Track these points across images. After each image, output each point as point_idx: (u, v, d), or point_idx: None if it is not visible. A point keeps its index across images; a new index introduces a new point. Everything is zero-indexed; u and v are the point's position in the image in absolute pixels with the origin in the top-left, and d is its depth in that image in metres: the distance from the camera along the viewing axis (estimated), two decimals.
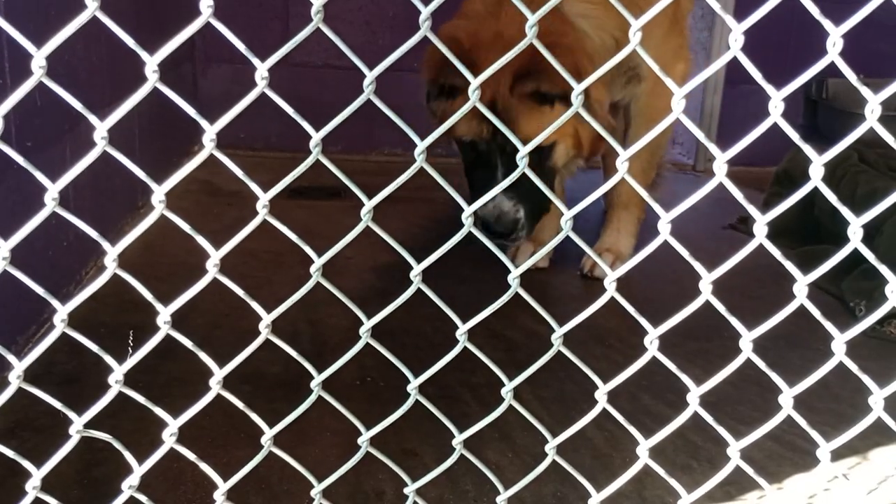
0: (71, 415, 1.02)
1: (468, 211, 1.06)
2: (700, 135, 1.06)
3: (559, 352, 1.12)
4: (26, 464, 1.03)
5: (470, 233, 1.07)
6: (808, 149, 1.06)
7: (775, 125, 1.03)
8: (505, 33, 2.29)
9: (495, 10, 2.35)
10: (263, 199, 0.95)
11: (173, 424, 1.06)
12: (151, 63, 0.85)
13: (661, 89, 2.47)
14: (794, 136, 1.06)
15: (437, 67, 2.35)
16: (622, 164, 1.05)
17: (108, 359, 1.00)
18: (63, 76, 2.19)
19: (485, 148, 2.37)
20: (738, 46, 0.98)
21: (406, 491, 1.21)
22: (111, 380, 1.00)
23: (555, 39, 2.06)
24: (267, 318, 1.03)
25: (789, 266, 1.11)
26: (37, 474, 1.04)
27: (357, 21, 4.14)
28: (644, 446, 1.23)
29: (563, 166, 2.53)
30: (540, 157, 2.35)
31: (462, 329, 1.09)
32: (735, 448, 1.26)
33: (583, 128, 2.38)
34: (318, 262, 1.02)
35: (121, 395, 1.02)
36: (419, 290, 1.07)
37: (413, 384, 1.13)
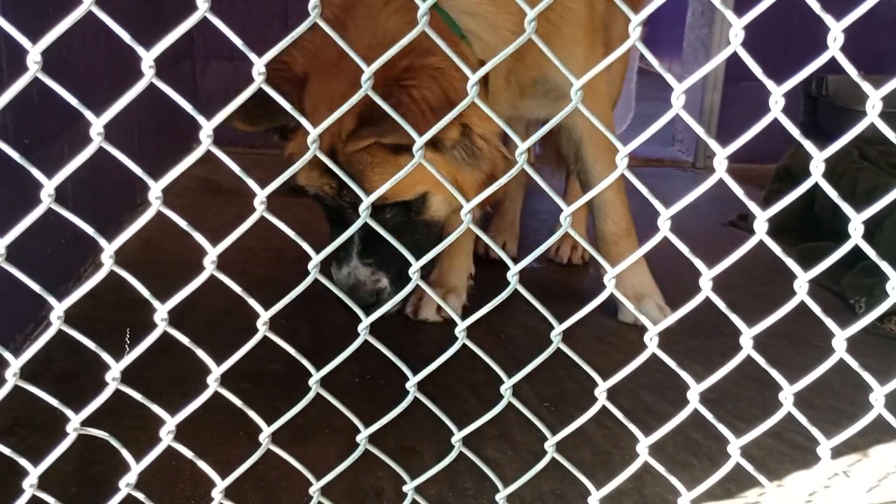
0: (68, 412, 1.01)
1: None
2: (700, 130, 1.05)
3: (559, 349, 1.12)
4: (24, 462, 1.03)
5: None
6: (808, 145, 1.06)
7: (776, 121, 1.02)
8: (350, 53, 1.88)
9: (343, 14, 1.78)
10: (261, 195, 0.95)
11: (171, 422, 1.06)
12: (148, 58, 0.85)
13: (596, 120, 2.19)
14: (795, 132, 1.06)
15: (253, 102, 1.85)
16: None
17: (106, 356, 1.00)
18: (60, 72, 2.18)
19: (333, 204, 1.84)
20: (739, 42, 0.97)
21: (405, 489, 1.21)
22: (109, 377, 1.00)
23: (416, 61, 1.65)
24: (265, 315, 1.02)
25: (790, 263, 1.10)
26: (34, 472, 1.03)
27: None
28: (644, 444, 1.22)
29: (451, 218, 1.98)
30: (409, 213, 1.85)
31: (461, 326, 1.09)
32: (735, 445, 1.25)
33: (462, 173, 1.81)
34: (317, 258, 1.01)
35: (118, 392, 1.02)
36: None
37: (412, 381, 1.13)
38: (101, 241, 0.92)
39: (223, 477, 1.13)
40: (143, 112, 2.97)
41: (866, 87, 1.01)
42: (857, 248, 1.12)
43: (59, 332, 0.95)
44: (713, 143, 1.04)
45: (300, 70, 1.73)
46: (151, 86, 0.88)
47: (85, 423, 1.02)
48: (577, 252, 2.86)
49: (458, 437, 1.17)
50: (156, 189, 0.91)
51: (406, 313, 2.37)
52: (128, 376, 1.02)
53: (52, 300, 0.94)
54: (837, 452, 1.39)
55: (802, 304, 1.12)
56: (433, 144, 1.71)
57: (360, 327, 1.07)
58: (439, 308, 2.17)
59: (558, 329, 1.10)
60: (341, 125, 1.67)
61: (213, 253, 0.95)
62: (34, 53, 0.83)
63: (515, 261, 1.08)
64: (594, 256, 1.17)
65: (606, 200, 2.36)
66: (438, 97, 1.65)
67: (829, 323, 1.15)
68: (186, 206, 3.08)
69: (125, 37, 0.86)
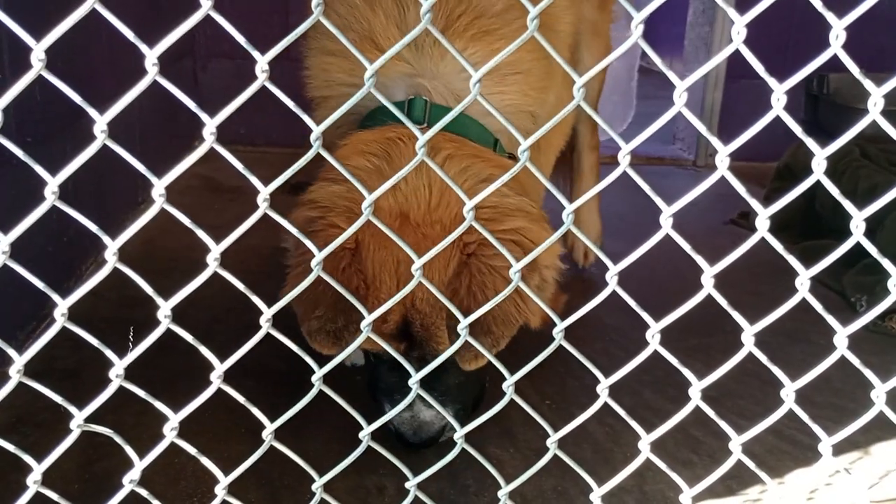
0: (72, 409, 1.01)
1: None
2: (702, 128, 1.05)
3: (560, 346, 1.12)
4: (27, 458, 1.03)
5: None
6: (810, 142, 1.06)
7: (777, 119, 1.02)
8: (412, 219, 1.55)
9: (385, 164, 1.58)
10: (264, 192, 0.95)
11: (174, 419, 1.06)
12: (151, 56, 0.85)
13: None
14: (797, 129, 1.06)
15: (313, 301, 1.49)
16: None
17: (109, 353, 1.00)
18: (62, 70, 2.18)
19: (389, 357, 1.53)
20: (741, 39, 0.97)
21: (407, 485, 1.21)
22: (112, 374, 1.00)
23: (494, 227, 1.49)
24: (268, 313, 1.03)
25: (791, 260, 1.10)
26: (38, 469, 1.03)
27: None
28: (645, 441, 1.23)
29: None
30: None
31: (463, 323, 1.09)
32: (736, 442, 1.25)
33: (528, 306, 1.64)
34: (319, 256, 1.02)
35: (121, 389, 1.02)
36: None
37: (414, 378, 1.13)
38: (105, 239, 0.92)
39: (226, 473, 1.13)
40: (145, 110, 2.97)
41: (868, 84, 1.01)
42: (858, 246, 1.12)
43: (62, 329, 0.95)
44: (715, 141, 1.04)
45: (352, 240, 1.52)
46: (154, 83, 0.88)
47: (88, 420, 1.02)
48: (588, 259, 2.79)
49: (460, 433, 1.17)
50: (159, 186, 0.91)
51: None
52: (130, 373, 1.02)
53: (56, 297, 0.94)
54: (838, 449, 1.39)
55: (804, 302, 1.12)
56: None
57: (363, 324, 1.08)
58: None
59: (560, 326, 1.10)
60: (414, 292, 1.51)
61: (216, 250, 0.96)
62: (38, 51, 0.83)
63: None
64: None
65: None
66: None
67: (831, 320, 1.15)
68: (188, 204, 3.07)
69: (128, 34, 0.86)
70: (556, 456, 1.21)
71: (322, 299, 1.49)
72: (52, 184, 0.88)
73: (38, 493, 1.05)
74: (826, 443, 1.27)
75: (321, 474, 1.17)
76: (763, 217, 1.06)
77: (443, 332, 1.55)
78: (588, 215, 2.85)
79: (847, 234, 1.10)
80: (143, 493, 1.12)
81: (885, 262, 1.14)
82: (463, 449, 1.19)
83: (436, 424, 1.66)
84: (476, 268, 1.51)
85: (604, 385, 1.17)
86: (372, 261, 1.54)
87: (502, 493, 1.25)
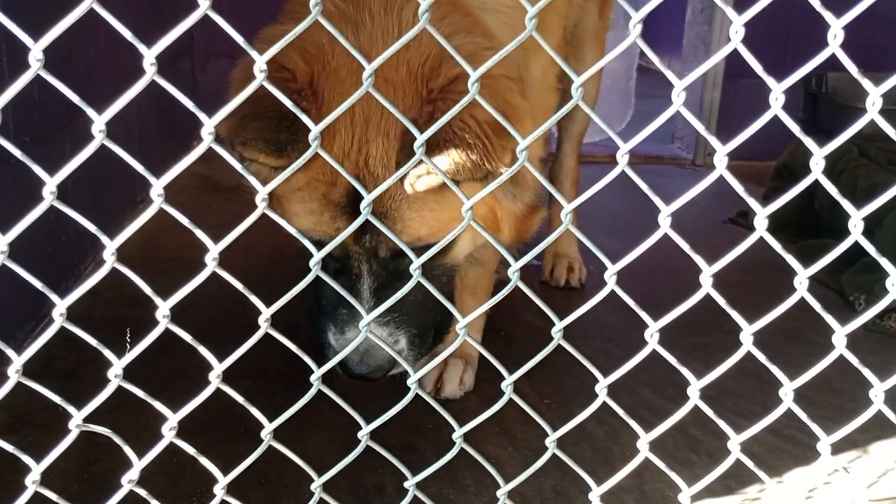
0: (70, 409, 1.01)
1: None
2: (700, 127, 1.05)
3: (559, 346, 1.12)
4: (26, 458, 1.03)
5: None
6: (808, 141, 1.06)
7: (775, 118, 1.02)
8: (374, 51, 1.36)
9: (354, 9, 1.44)
10: (262, 192, 0.95)
11: (173, 419, 1.06)
12: (149, 56, 0.85)
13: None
14: (795, 128, 1.06)
15: (246, 114, 1.30)
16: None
17: (108, 353, 1.00)
18: (60, 70, 2.18)
19: (340, 250, 1.46)
20: (739, 38, 0.97)
21: (406, 485, 1.21)
22: (110, 374, 1.00)
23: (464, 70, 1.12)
24: (267, 312, 1.02)
25: (790, 259, 1.10)
26: (37, 469, 1.03)
27: None
28: (644, 440, 1.23)
29: (465, 259, 1.69)
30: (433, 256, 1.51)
31: (462, 323, 1.09)
32: (735, 442, 1.26)
33: (501, 206, 1.55)
34: (318, 255, 1.01)
35: (120, 389, 1.02)
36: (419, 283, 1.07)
37: (413, 378, 1.13)
38: (104, 238, 0.92)
39: (225, 473, 1.13)
40: (143, 110, 2.97)
41: (866, 83, 1.01)
42: (856, 245, 1.12)
43: (60, 329, 0.95)
44: (713, 140, 1.04)
45: (305, 79, 1.39)
46: (152, 83, 0.88)
47: (87, 420, 1.02)
48: (574, 274, 2.72)
49: (458, 433, 1.17)
50: (157, 186, 0.91)
51: (427, 392, 1.86)
52: (129, 373, 1.02)
53: (54, 297, 0.94)
54: (837, 449, 1.39)
55: (802, 301, 1.12)
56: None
57: (362, 324, 1.08)
58: (461, 380, 1.98)
59: (559, 326, 1.10)
60: (369, 149, 1.37)
61: (214, 250, 0.96)
62: (36, 51, 0.83)
63: (515, 258, 1.07)
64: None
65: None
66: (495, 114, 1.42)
67: (829, 319, 1.15)
68: (186, 204, 3.07)
69: (126, 34, 0.86)
70: (554, 455, 1.21)
71: (264, 115, 1.31)
72: (51, 184, 0.88)
73: (36, 493, 1.05)
74: (825, 442, 1.27)
75: (320, 474, 1.17)
76: (761, 216, 1.06)
77: (399, 207, 1.38)
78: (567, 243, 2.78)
79: (845, 233, 1.10)
80: (142, 493, 1.12)
81: (884, 262, 1.14)
82: (462, 448, 1.19)
83: (382, 352, 1.43)
84: (441, 112, 1.27)
85: (602, 384, 1.17)
86: (329, 108, 1.34)
87: (501, 493, 1.25)
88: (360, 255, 1.45)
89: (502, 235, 1.58)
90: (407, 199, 1.39)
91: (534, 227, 1.73)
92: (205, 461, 1.12)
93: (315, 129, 0.93)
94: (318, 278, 1.26)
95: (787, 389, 1.22)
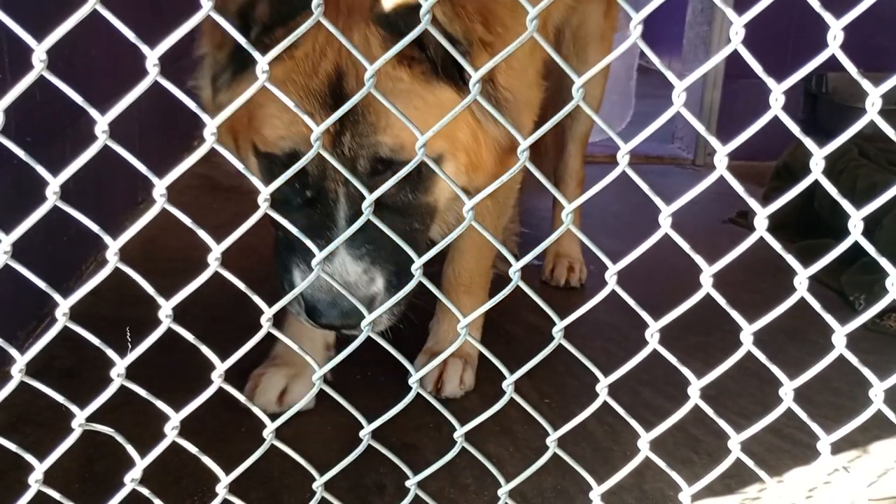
0: (73, 409, 1.02)
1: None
2: (701, 128, 1.06)
3: (560, 345, 1.12)
4: (29, 457, 1.04)
5: None
6: (808, 142, 1.06)
7: (776, 119, 1.03)
8: None
9: None
10: (265, 192, 0.95)
11: (175, 418, 1.07)
12: (152, 57, 0.85)
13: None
14: (795, 129, 1.06)
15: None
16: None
17: (110, 352, 1.00)
18: (62, 70, 2.19)
19: (315, 168, 1.34)
20: (739, 39, 0.98)
21: (407, 484, 1.21)
22: (113, 373, 1.00)
23: None
24: (268, 312, 1.03)
25: (790, 259, 1.11)
26: (39, 468, 1.04)
27: None
28: (644, 439, 1.23)
29: (446, 205, 1.55)
30: (415, 188, 1.41)
31: (463, 322, 1.09)
32: (735, 441, 1.26)
33: (483, 130, 1.45)
34: (320, 255, 1.02)
35: (122, 388, 1.02)
36: (420, 283, 1.07)
37: (414, 377, 1.13)
38: (106, 238, 0.93)
39: (227, 472, 1.14)
40: (143, 110, 2.97)
41: (866, 84, 1.01)
42: (856, 245, 1.12)
43: (63, 328, 0.96)
44: (713, 141, 1.04)
45: None
46: (154, 84, 0.88)
47: (89, 420, 1.03)
48: (575, 274, 2.73)
49: (459, 432, 1.17)
50: (160, 186, 0.91)
51: (428, 392, 1.81)
52: (131, 373, 1.02)
53: (57, 297, 0.94)
54: (837, 448, 1.39)
55: (802, 301, 1.13)
56: (459, 81, 1.34)
57: (363, 323, 1.08)
58: (461, 380, 1.98)
59: (559, 325, 1.10)
60: (350, 36, 1.26)
61: (217, 250, 0.96)
62: (39, 52, 0.83)
63: (517, 258, 1.08)
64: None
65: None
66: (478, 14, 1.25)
67: (829, 319, 1.16)
68: (187, 204, 3.06)
69: (129, 35, 0.86)
70: (555, 454, 1.22)
71: None
72: (54, 184, 0.88)
73: (39, 492, 1.06)
74: (825, 441, 1.28)
75: (321, 473, 1.17)
76: (762, 216, 1.07)
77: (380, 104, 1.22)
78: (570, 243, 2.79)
79: (845, 233, 1.10)
80: (145, 491, 1.12)
81: (884, 262, 1.14)
82: (463, 448, 1.19)
83: (361, 291, 1.32)
84: None
85: (603, 384, 1.17)
86: None
87: (502, 492, 1.25)
88: (336, 176, 1.34)
89: (483, 166, 1.48)
90: (390, 92, 1.27)
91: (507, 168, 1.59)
92: (207, 460, 1.12)
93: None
94: (285, 209, 1.16)
95: (787, 389, 1.22)
